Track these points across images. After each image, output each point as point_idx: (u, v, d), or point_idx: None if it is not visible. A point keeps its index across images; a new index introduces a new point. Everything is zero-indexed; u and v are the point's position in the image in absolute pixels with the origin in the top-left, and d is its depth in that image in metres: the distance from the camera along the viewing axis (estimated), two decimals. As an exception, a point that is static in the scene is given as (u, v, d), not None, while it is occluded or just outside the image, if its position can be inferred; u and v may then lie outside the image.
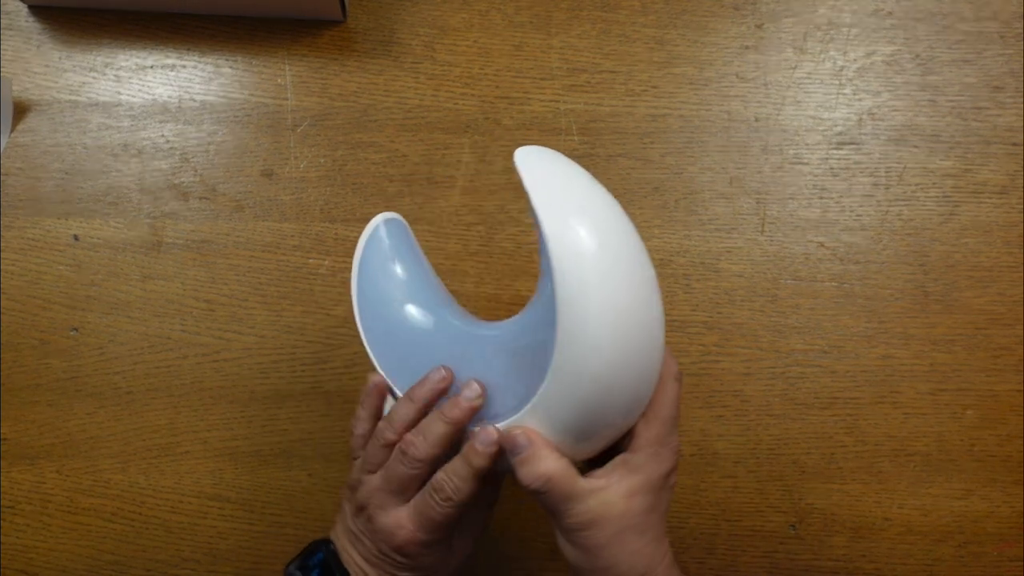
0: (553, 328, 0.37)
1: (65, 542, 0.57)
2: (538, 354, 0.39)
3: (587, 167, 0.59)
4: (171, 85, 0.60)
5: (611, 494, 0.39)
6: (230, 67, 0.61)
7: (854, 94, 0.60)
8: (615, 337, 0.36)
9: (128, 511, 0.57)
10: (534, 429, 0.40)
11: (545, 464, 0.39)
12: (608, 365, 0.37)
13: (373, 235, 0.47)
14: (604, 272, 0.36)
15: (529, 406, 0.39)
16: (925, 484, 0.57)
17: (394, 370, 0.46)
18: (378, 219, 0.47)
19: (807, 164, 0.60)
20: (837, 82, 0.60)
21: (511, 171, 0.59)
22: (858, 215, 0.59)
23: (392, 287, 0.46)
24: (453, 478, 0.41)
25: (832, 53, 0.61)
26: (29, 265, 0.58)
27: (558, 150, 0.59)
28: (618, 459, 0.41)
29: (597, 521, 0.39)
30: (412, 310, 0.46)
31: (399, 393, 0.45)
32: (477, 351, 0.43)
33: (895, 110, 0.60)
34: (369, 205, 0.59)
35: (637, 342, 0.37)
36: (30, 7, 0.60)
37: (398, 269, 0.47)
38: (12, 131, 0.59)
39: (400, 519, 0.42)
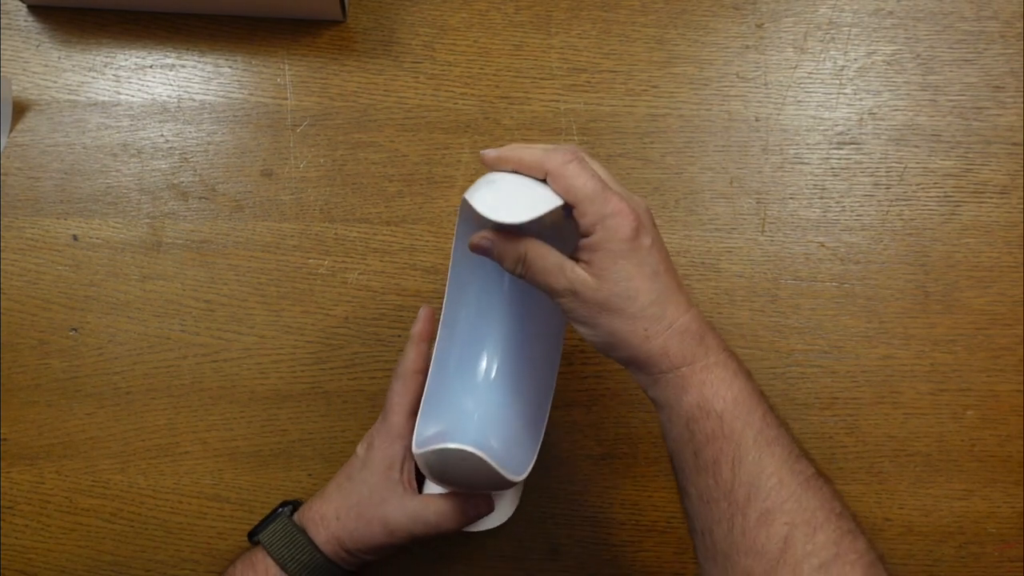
0: None
1: (64, 542, 0.56)
2: None
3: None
4: (170, 85, 0.60)
5: (581, 268, 0.41)
6: (229, 67, 0.60)
7: (855, 94, 0.60)
8: None
9: (128, 511, 0.57)
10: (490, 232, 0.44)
11: (515, 249, 0.42)
12: None
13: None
14: None
15: None
16: (926, 484, 0.57)
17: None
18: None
19: (808, 164, 0.60)
20: (838, 82, 0.60)
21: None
22: (859, 215, 0.59)
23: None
24: None
25: (833, 53, 0.61)
26: (28, 265, 0.58)
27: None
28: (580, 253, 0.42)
29: (578, 292, 0.40)
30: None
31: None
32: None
33: (896, 110, 0.60)
34: (369, 205, 0.59)
35: None
36: (29, 7, 0.60)
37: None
38: (11, 131, 0.59)
39: None
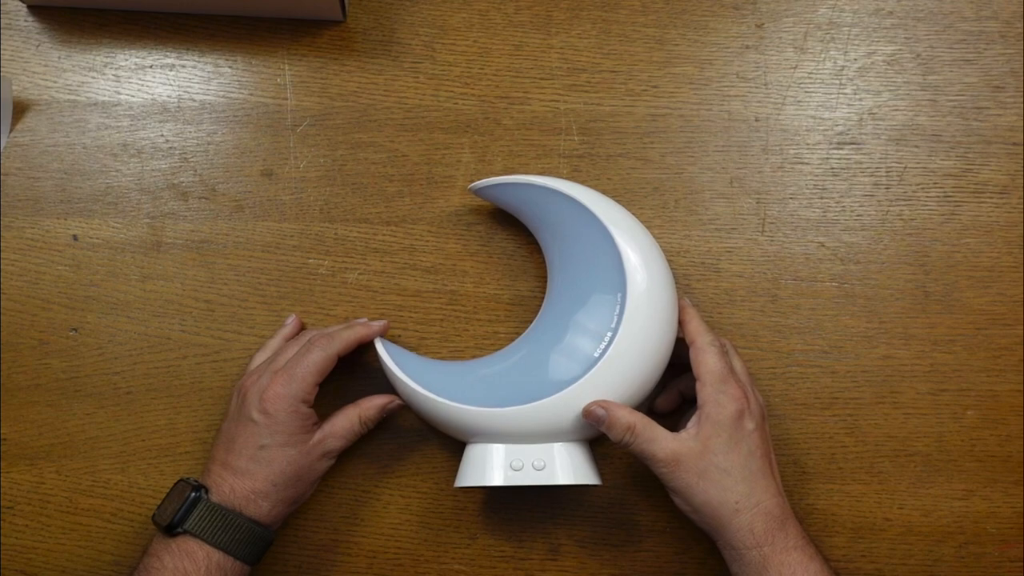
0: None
1: (65, 543, 0.57)
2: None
3: (587, 167, 0.60)
4: (170, 85, 0.60)
5: (686, 436, 0.47)
6: (229, 67, 0.60)
7: (855, 94, 0.60)
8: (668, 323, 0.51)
9: (128, 511, 0.57)
10: (605, 399, 0.49)
11: (625, 418, 0.48)
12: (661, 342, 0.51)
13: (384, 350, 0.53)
14: (661, 278, 0.51)
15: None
16: (925, 484, 0.57)
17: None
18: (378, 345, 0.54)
19: (807, 164, 0.60)
20: (838, 82, 0.60)
21: (511, 171, 0.59)
22: (858, 215, 0.59)
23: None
24: None
25: (833, 53, 0.61)
26: (28, 265, 0.58)
27: (558, 150, 0.60)
28: (687, 418, 0.49)
29: (681, 459, 0.47)
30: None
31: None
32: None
33: (896, 110, 0.60)
34: (369, 205, 0.59)
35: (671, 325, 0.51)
36: (29, 7, 0.60)
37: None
38: (11, 131, 0.59)
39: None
